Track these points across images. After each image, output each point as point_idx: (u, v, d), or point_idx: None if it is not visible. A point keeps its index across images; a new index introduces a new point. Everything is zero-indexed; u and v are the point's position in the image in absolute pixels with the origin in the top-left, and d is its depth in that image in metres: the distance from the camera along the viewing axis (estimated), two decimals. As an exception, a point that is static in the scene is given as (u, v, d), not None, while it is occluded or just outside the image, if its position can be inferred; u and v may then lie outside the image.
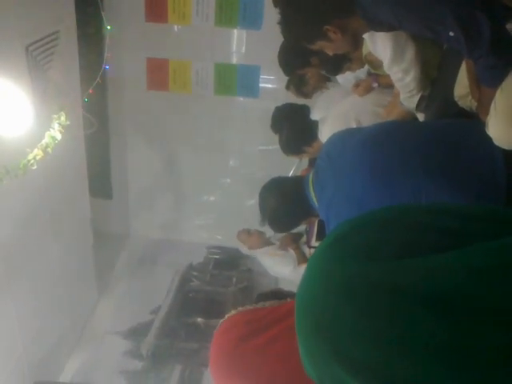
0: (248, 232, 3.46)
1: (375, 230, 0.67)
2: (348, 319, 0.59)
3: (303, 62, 2.65)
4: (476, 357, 0.53)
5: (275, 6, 1.59)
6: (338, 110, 2.38)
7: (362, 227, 0.68)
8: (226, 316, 0.91)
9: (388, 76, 2.00)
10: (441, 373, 0.54)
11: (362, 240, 0.65)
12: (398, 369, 0.55)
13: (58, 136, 2.34)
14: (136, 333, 3.56)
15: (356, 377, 0.57)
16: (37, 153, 2.20)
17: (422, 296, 0.57)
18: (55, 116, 2.40)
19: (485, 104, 1.32)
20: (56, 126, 2.37)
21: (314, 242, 2.71)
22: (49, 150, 2.28)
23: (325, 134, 2.28)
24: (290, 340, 0.76)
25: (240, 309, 0.90)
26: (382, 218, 0.69)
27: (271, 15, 1.85)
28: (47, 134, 2.31)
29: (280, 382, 0.83)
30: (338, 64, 2.34)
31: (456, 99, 1.61)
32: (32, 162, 2.16)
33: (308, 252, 3.15)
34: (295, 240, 3.30)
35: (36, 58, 2.34)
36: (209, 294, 3.91)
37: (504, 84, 1.23)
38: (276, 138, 2.83)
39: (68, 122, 2.44)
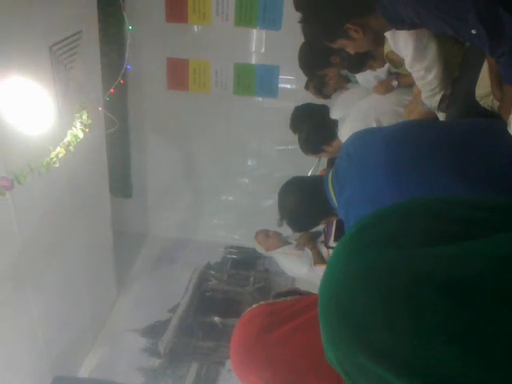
0: (266, 234, 3.46)
1: (396, 220, 0.67)
2: (367, 306, 0.59)
3: (323, 62, 2.65)
4: (495, 345, 0.53)
5: (296, 9, 1.59)
6: (357, 110, 2.38)
7: (384, 219, 0.68)
8: (249, 308, 0.93)
9: (408, 75, 1.99)
10: (460, 360, 0.54)
11: (382, 230, 0.66)
12: (417, 356, 0.55)
13: (80, 134, 2.38)
14: (154, 330, 3.60)
15: (378, 363, 0.57)
16: (59, 151, 2.23)
17: (441, 283, 0.56)
18: (77, 115, 2.44)
19: (507, 103, 1.31)
20: (78, 124, 2.41)
21: (332, 242, 2.71)
22: (71, 148, 2.31)
23: (344, 134, 2.27)
24: (311, 332, 0.77)
25: (262, 302, 0.92)
26: (403, 209, 0.69)
27: (291, 15, 1.86)
28: (69, 132, 2.35)
29: (300, 373, 0.84)
30: (360, 61, 2.33)
31: (478, 99, 1.60)
32: (55, 159, 2.20)
33: (326, 252, 3.14)
34: (312, 239, 3.28)
35: (59, 58, 2.38)
36: (226, 294, 3.93)
37: (527, 83, 1.22)
38: (294, 138, 2.84)
39: (90, 121, 2.48)
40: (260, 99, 3.86)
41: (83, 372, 3.34)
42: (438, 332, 0.55)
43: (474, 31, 1.17)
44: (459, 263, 0.58)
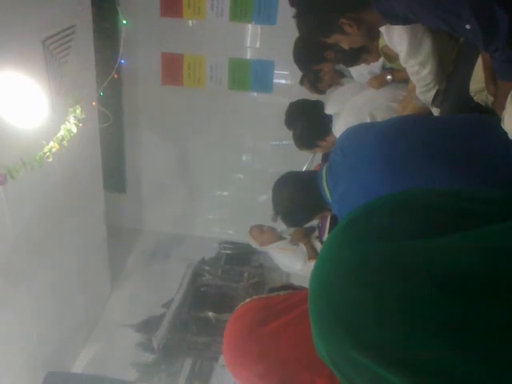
0: (260, 229, 3.46)
1: (387, 212, 0.67)
2: (357, 299, 0.59)
3: (318, 57, 2.64)
4: (488, 337, 0.53)
5: (291, 4, 1.59)
6: (352, 105, 2.38)
7: (374, 210, 0.68)
8: (242, 303, 0.93)
9: (403, 71, 1.99)
10: (452, 352, 0.53)
11: (373, 222, 0.66)
12: (408, 349, 0.55)
13: (74, 129, 2.37)
14: (148, 326, 3.60)
15: (369, 357, 0.57)
16: (53, 145, 2.22)
17: (434, 276, 0.56)
18: (71, 109, 2.43)
19: (501, 98, 1.31)
20: (72, 119, 2.40)
21: (326, 237, 2.71)
22: (64, 142, 2.30)
23: (339, 129, 2.27)
24: (303, 325, 0.77)
25: (255, 297, 0.92)
26: (393, 201, 0.69)
27: (286, 10, 1.85)
28: (63, 126, 2.34)
29: (292, 367, 0.84)
30: (354, 55, 2.33)
31: (472, 94, 1.60)
32: (48, 154, 2.19)
33: (320, 247, 3.15)
34: (306, 234, 3.29)
35: (52, 52, 2.36)
36: (220, 289, 3.93)
37: (521, 78, 1.22)
38: (289, 133, 2.83)
39: (83, 116, 2.46)
40: (255, 94, 3.86)
41: (77, 367, 3.33)
42: (432, 327, 0.54)
43: (468, 26, 1.17)
44: (452, 256, 0.58)
